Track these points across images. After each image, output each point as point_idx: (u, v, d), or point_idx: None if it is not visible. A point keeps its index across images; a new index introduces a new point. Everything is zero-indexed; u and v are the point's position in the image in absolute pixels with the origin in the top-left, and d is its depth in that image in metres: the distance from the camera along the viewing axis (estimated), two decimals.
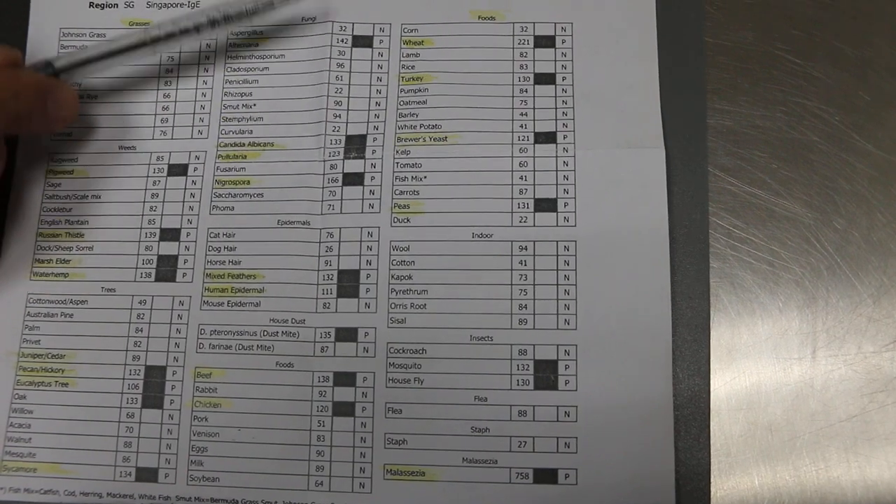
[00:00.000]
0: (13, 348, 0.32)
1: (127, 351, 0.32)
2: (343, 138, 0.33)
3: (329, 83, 0.33)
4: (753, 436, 0.29)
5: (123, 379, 0.32)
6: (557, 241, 0.31)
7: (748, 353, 0.30)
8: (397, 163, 0.32)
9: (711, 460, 0.29)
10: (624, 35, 0.33)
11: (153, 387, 0.32)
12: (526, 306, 0.31)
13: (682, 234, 0.31)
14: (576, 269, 0.31)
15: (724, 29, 0.33)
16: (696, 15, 0.33)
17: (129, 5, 0.35)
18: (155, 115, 0.34)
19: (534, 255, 0.31)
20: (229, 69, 0.34)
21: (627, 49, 0.33)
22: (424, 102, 0.33)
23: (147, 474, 0.31)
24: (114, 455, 0.31)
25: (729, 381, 0.30)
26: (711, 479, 0.29)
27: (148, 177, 0.33)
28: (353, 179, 0.32)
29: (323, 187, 0.32)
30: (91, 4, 0.35)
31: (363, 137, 0.33)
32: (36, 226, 0.33)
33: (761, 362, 0.30)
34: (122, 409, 0.32)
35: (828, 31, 0.32)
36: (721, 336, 0.30)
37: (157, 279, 0.32)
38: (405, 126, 0.33)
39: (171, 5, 0.35)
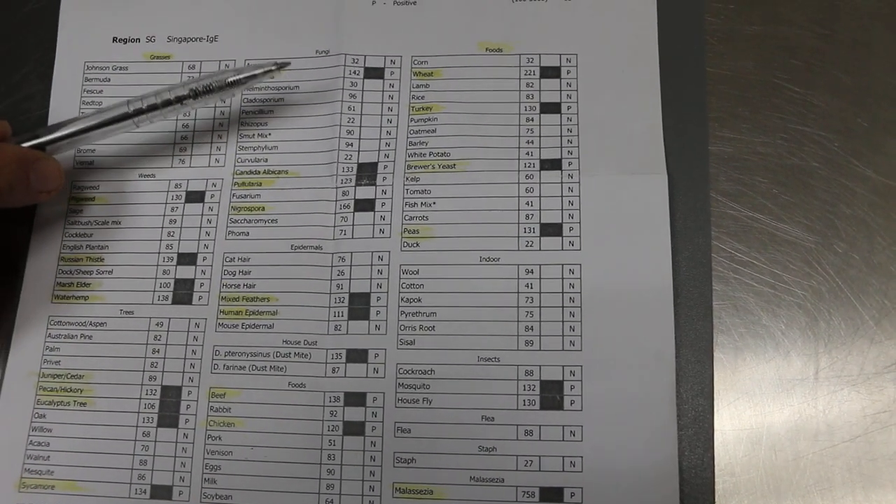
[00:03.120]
0: (34, 369, 0.33)
1: (144, 371, 0.33)
2: (355, 166, 0.33)
3: (341, 113, 0.34)
4: (757, 456, 0.29)
5: (140, 399, 0.32)
6: (562, 265, 0.32)
7: (751, 375, 0.30)
8: (407, 189, 0.33)
9: (716, 480, 0.29)
10: (627, 65, 0.34)
11: (169, 406, 0.32)
12: (532, 328, 0.31)
13: (685, 258, 0.31)
14: (580, 292, 0.31)
15: (724, 59, 0.34)
16: (698, 45, 0.34)
17: (150, 39, 0.36)
18: (174, 144, 0.35)
19: (539, 279, 0.32)
20: (245, 100, 0.35)
21: (631, 79, 0.34)
22: (434, 131, 0.34)
23: (162, 492, 0.31)
24: (129, 473, 0.32)
25: (732, 402, 0.30)
26: (716, 499, 0.29)
27: (166, 203, 0.34)
28: (365, 205, 0.33)
29: (335, 213, 0.33)
30: (115, 39, 0.37)
31: (374, 165, 0.33)
32: (58, 250, 0.34)
33: (764, 383, 0.30)
34: (139, 427, 0.32)
35: (826, 61, 0.33)
36: (724, 357, 0.30)
37: (174, 302, 0.33)
38: (415, 154, 0.33)
39: (190, 39, 0.36)
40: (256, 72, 0.32)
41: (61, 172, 0.33)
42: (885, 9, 0.34)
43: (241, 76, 0.32)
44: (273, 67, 0.32)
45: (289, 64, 0.32)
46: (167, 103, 0.32)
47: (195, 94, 0.32)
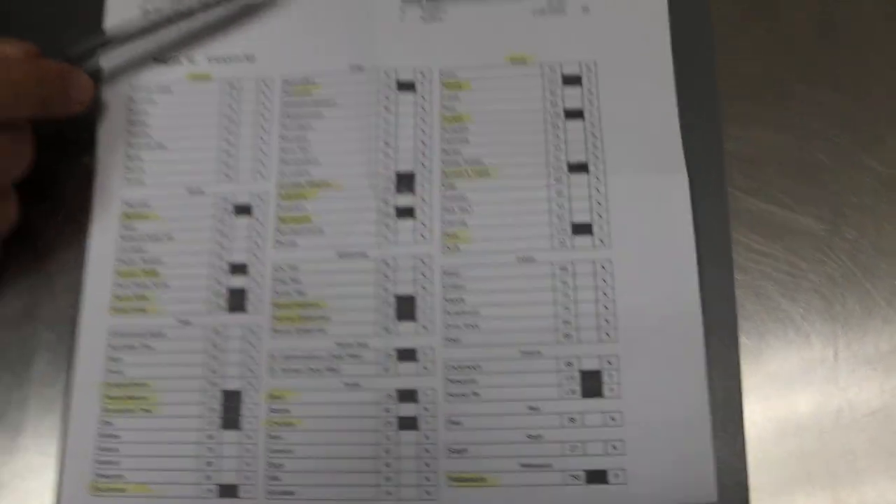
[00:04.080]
0: (98, 379, 0.34)
1: (204, 378, 0.34)
2: (394, 175, 0.35)
3: (378, 125, 0.35)
4: (785, 431, 0.31)
5: (202, 403, 0.34)
6: (594, 261, 0.33)
7: (775, 357, 0.32)
8: (444, 195, 0.34)
9: (747, 455, 0.31)
10: (643, 71, 0.35)
11: (231, 410, 0.33)
12: (570, 321, 0.32)
13: (707, 250, 0.33)
14: (613, 286, 0.33)
15: (734, 62, 0.35)
16: (708, 51, 0.35)
17: (190, 61, 0.37)
18: (219, 161, 0.36)
19: (574, 275, 0.33)
20: (285, 116, 0.36)
21: (647, 84, 0.35)
22: (466, 140, 0.35)
23: (228, 490, 0.33)
24: (197, 474, 0.33)
25: (759, 383, 0.32)
26: (748, 473, 0.31)
27: (215, 217, 0.35)
28: (405, 213, 0.34)
29: (377, 221, 0.34)
30: (156, 60, 0.37)
31: (412, 174, 0.35)
32: (113, 265, 0.35)
33: (787, 365, 0.32)
34: (203, 431, 0.33)
35: (830, 60, 0.35)
36: (749, 342, 0.32)
37: (230, 310, 0.34)
38: (449, 162, 0.35)
39: (230, 59, 0.37)
40: None
41: (92, 84, 0.35)
42: (883, 10, 0.35)
43: None
44: None
45: None
46: (179, 15, 0.34)
47: (205, 6, 0.34)
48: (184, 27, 0.35)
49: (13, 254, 0.36)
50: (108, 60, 0.38)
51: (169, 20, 0.34)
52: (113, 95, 0.37)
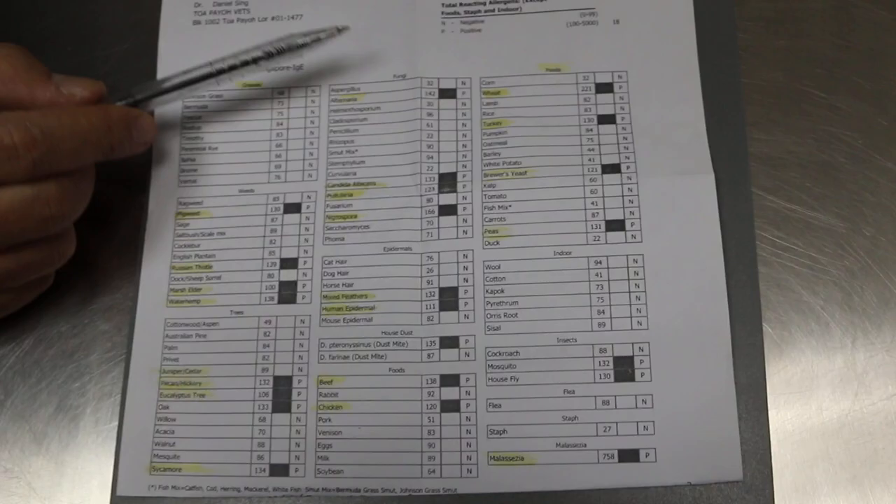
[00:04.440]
0: (155, 366, 0.39)
1: (256, 364, 0.39)
2: (436, 176, 0.40)
3: (421, 129, 0.41)
4: (807, 414, 0.36)
5: (254, 388, 0.39)
6: (627, 256, 0.38)
7: (796, 345, 0.37)
8: (485, 195, 0.40)
9: (770, 435, 0.36)
10: (672, 80, 0.41)
11: (281, 394, 0.38)
12: (603, 311, 0.38)
13: (733, 245, 0.38)
14: (644, 279, 0.38)
15: (757, 71, 0.41)
16: (733, 59, 0.41)
17: None
18: (269, 161, 0.42)
19: (607, 268, 0.38)
20: (332, 120, 0.42)
21: (676, 91, 0.40)
22: (505, 143, 0.40)
23: (279, 470, 0.38)
24: (249, 454, 0.38)
25: (782, 369, 0.37)
26: (772, 453, 0.36)
27: (266, 215, 0.41)
28: (448, 210, 0.40)
29: (421, 218, 0.40)
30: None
31: (454, 175, 0.40)
32: (169, 260, 0.41)
33: (809, 352, 0.37)
34: (255, 414, 0.38)
35: (847, 68, 0.40)
36: (772, 331, 0.37)
37: (280, 302, 0.40)
38: (490, 163, 0.40)
39: (279, 68, 0.43)
40: (321, 35, 0.39)
41: (155, 126, 0.39)
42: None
43: (308, 39, 0.39)
44: (335, 31, 0.39)
45: (348, 28, 0.39)
46: (244, 63, 0.39)
47: (269, 56, 0.39)
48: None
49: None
50: (165, 67, 0.43)
51: (232, 69, 0.39)
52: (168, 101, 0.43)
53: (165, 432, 0.38)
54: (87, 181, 0.36)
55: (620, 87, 0.41)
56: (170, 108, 0.42)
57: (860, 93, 0.40)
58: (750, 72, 0.41)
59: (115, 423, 0.39)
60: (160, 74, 0.43)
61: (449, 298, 0.38)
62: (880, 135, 0.39)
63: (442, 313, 0.38)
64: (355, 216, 0.40)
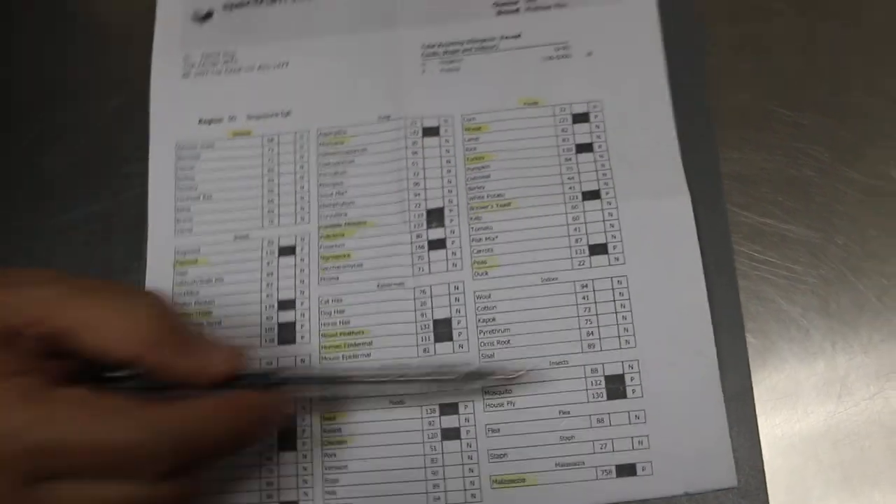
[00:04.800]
0: None
1: None
2: (424, 212, 0.42)
3: (407, 168, 0.43)
4: (794, 418, 0.38)
5: None
6: (611, 278, 0.40)
7: (779, 353, 0.39)
8: (472, 227, 0.41)
9: (761, 441, 0.37)
10: (644, 107, 0.43)
11: (287, 432, 0.40)
12: (592, 332, 0.39)
13: (712, 261, 0.40)
14: (629, 299, 0.40)
15: (725, 93, 0.43)
16: (701, 84, 0.43)
17: (231, 119, 0.45)
18: (262, 207, 0.43)
19: (593, 291, 0.40)
20: (321, 163, 0.44)
21: (648, 117, 0.43)
22: (488, 176, 0.42)
23: None
24: (259, 494, 0.39)
25: (767, 377, 0.38)
26: (764, 459, 0.37)
27: (262, 259, 0.42)
28: (437, 245, 0.41)
29: (412, 253, 0.41)
30: (200, 121, 0.45)
31: (441, 210, 0.42)
32: None
33: (791, 359, 0.39)
34: (262, 454, 0.40)
35: (811, 86, 0.42)
36: (755, 341, 0.39)
37: (280, 343, 0.41)
38: (475, 197, 0.42)
39: (267, 116, 0.45)
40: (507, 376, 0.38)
41: (292, 409, 0.38)
42: (858, 39, 0.43)
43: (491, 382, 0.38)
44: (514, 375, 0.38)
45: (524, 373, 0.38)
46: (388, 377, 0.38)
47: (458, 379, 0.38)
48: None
49: None
50: (156, 121, 0.45)
51: (377, 379, 0.38)
52: (162, 153, 0.45)
53: None
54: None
55: (596, 117, 0.43)
56: (165, 158, 0.44)
57: (824, 109, 0.42)
58: (718, 94, 0.43)
59: None
60: (152, 130, 0.45)
61: (443, 329, 0.40)
62: (845, 148, 0.41)
63: (437, 344, 0.40)
64: (348, 255, 0.41)
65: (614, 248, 0.40)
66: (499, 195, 0.41)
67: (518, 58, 0.44)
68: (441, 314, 0.40)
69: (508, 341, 0.39)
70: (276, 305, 0.41)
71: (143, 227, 0.44)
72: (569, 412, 0.38)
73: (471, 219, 0.41)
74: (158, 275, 0.42)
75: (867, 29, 0.43)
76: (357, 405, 0.39)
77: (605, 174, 0.41)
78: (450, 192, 0.42)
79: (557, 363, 0.39)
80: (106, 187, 0.45)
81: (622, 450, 0.38)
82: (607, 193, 0.41)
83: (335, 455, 0.39)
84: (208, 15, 0.47)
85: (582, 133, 0.42)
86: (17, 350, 0.30)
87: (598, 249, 0.40)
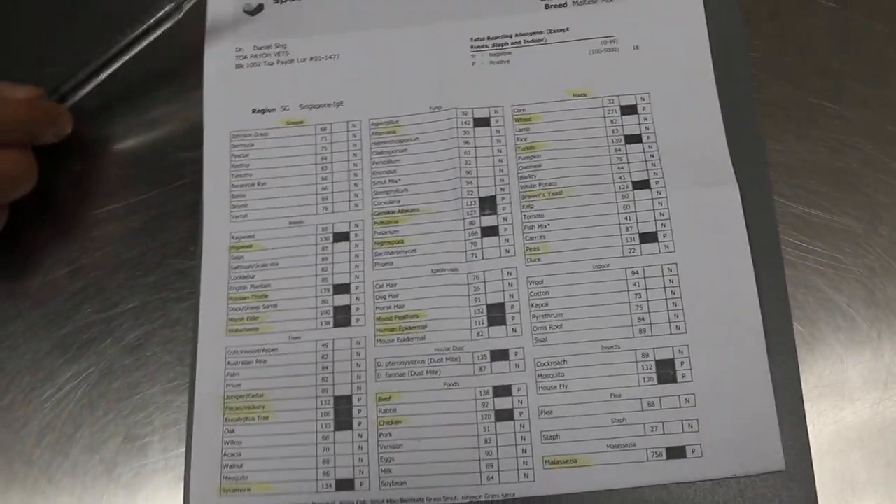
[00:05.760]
0: (219, 392, 0.42)
1: (316, 386, 0.42)
2: (477, 199, 0.43)
3: (459, 157, 0.44)
4: (840, 405, 0.39)
5: (316, 409, 0.41)
6: (661, 265, 0.42)
7: (826, 341, 0.40)
8: (524, 215, 0.43)
9: (808, 426, 0.39)
10: (691, 99, 0.44)
11: (342, 413, 0.41)
12: (643, 318, 0.41)
13: (760, 250, 0.41)
14: (679, 286, 0.41)
15: (770, 86, 0.44)
16: (746, 77, 0.44)
17: (284, 108, 0.46)
18: (316, 194, 0.45)
19: (644, 278, 0.41)
20: (374, 152, 0.45)
21: (695, 110, 0.44)
22: (539, 166, 0.44)
23: (345, 484, 0.40)
24: (315, 471, 0.41)
25: (814, 364, 0.40)
26: (811, 442, 0.39)
27: (316, 244, 0.44)
28: (490, 232, 0.43)
29: (465, 240, 0.43)
30: (254, 111, 0.46)
31: (493, 198, 0.43)
32: (226, 292, 0.44)
33: (838, 346, 0.40)
34: (318, 433, 0.41)
35: (854, 79, 0.44)
36: (803, 329, 0.40)
37: (335, 325, 0.43)
38: (526, 185, 0.43)
39: (320, 106, 0.46)
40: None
41: (71, 120, 0.45)
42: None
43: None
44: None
45: None
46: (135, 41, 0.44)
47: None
48: None
49: (127, 286, 0.44)
50: (210, 110, 0.46)
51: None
52: (216, 141, 0.46)
53: (233, 455, 0.41)
54: (28, 165, 0.43)
55: (644, 108, 0.44)
56: (219, 146, 0.46)
57: (866, 102, 0.43)
58: (763, 87, 0.44)
59: (182, 450, 0.41)
60: (206, 118, 0.46)
61: (496, 314, 0.41)
62: (888, 140, 0.42)
63: (491, 328, 0.41)
64: (402, 241, 0.43)
65: (664, 236, 0.42)
66: (550, 184, 0.43)
67: (566, 50, 0.45)
68: (494, 299, 0.41)
69: (561, 326, 0.41)
70: (331, 289, 0.43)
71: (198, 213, 0.45)
72: (620, 395, 0.40)
73: (523, 206, 0.43)
74: (214, 258, 0.44)
75: None
76: (413, 385, 0.40)
77: (654, 164, 0.43)
78: (502, 180, 0.43)
79: (609, 347, 0.40)
80: (161, 175, 0.46)
81: (672, 432, 0.39)
82: (657, 183, 0.42)
83: (390, 434, 0.40)
84: (259, 8, 0.48)
85: (630, 124, 0.44)
86: None
87: (649, 237, 0.42)
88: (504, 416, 0.40)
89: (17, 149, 0.41)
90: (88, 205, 0.46)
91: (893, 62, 0.44)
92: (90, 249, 0.46)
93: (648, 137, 0.43)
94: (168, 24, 0.45)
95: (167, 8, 0.44)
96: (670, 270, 0.41)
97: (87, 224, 0.46)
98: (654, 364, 0.40)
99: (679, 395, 0.39)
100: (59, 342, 0.44)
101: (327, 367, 0.41)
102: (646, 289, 0.41)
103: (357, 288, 0.42)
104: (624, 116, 0.44)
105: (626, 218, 0.42)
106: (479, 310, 0.41)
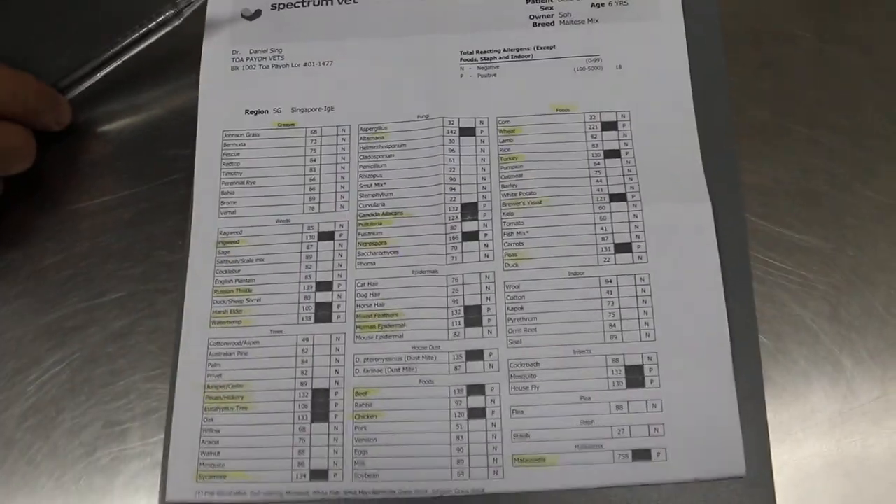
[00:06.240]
0: (200, 381, 0.43)
1: (295, 378, 0.43)
2: (459, 205, 0.45)
3: (444, 164, 0.46)
4: (802, 416, 0.41)
5: (294, 401, 0.43)
6: (634, 275, 0.43)
7: (790, 354, 0.42)
8: (504, 222, 0.45)
9: (770, 435, 0.40)
10: (670, 118, 0.46)
11: (319, 406, 0.43)
12: (614, 325, 0.42)
13: (730, 265, 0.43)
14: (651, 295, 0.43)
15: (746, 109, 0.46)
16: (724, 100, 0.46)
17: (277, 111, 0.48)
18: (303, 194, 0.46)
19: (617, 286, 0.43)
20: (362, 156, 0.47)
21: (673, 128, 0.46)
22: (521, 175, 0.45)
23: (319, 475, 0.42)
24: (290, 461, 0.42)
25: (777, 376, 0.41)
26: (771, 448, 0.40)
27: (301, 242, 0.45)
28: (471, 236, 0.44)
29: (446, 244, 0.44)
30: (247, 111, 0.48)
31: (475, 204, 0.45)
32: (211, 285, 0.45)
33: (801, 360, 0.42)
34: (295, 424, 0.42)
35: (826, 107, 0.46)
36: (768, 342, 0.42)
37: (316, 321, 0.44)
38: (507, 194, 0.45)
39: (311, 109, 0.48)
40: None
41: (71, 111, 0.47)
42: (871, 66, 0.47)
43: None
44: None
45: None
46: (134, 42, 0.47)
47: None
48: None
49: (115, 276, 0.46)
50: (205, 109, 0.48)
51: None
52: (209, 139, 0.48)
53: (211, 442, 0.42)
54: (27, 141, 0.44)
55: (624, 125, 0.46)
56: (212, 144, 0.47)
57: (839, 128, 0.45)
58: (740, 110, 0.46)
59: (161, 437, 0.43)
60: (200, 116, 0.48)
61: (473, 315, 0.43)
62: (858, 165, 0.44)
63: (467, 329, 0.43)
64: (385, 242, 0.45)
65: (638, 247, 0.43)
66: (530, 193, 0.45)
67: (552, 67, 0.47)
68: (472, 301, 0.43)
69: (535, 329, 0.42)
70: (314, 286, 0.44)
71: (187, 208, 0.46)
72: (590, 398, 0.41)
73: (503, 214, 0.44)
74: (201, 252, 0.45)
75: (881, 56, 0.47)
76: (390, 381, 0.42)
77: (631, 179, 0.45)
78: (484, 188, 0.45)
79: (581, 352, 0.42)
80: (153, 169, 0.48)
81: (639, 436, 0.40)
82: (633, 196, 0.44)
83: (365, 428, 0.42)
84: (257, 13, 0.50)
85: (610, 140, 0.46)
86: None
87: (623, 248, 0.43)
88: (476, 414, 0.41)
89: (16, 124, 0.43)
90: (81, 196, 0.48)
91: (865, 91, 0.46)
92: (80, 239, 0.47)
93: (627, 153, 0.45)
94: (167, 29, 0.46)
95: (167, 14, 0.46)
96: (642, 280, 0.43)
97: (79, 214, 0.47)
98: (623, 369, 0.41)
99: (646, 400, 0.41)
100: (45, 328, 0.45)
101: (307, 361, 0.43)
102: (618, 297, 0.42)
103: (339, 286, 0.44)
104: (604, 132, 0.46)
105: (602, 228, 0.44)
106: (456, 311, 0.43)
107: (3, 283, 0.46)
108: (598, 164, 0.45)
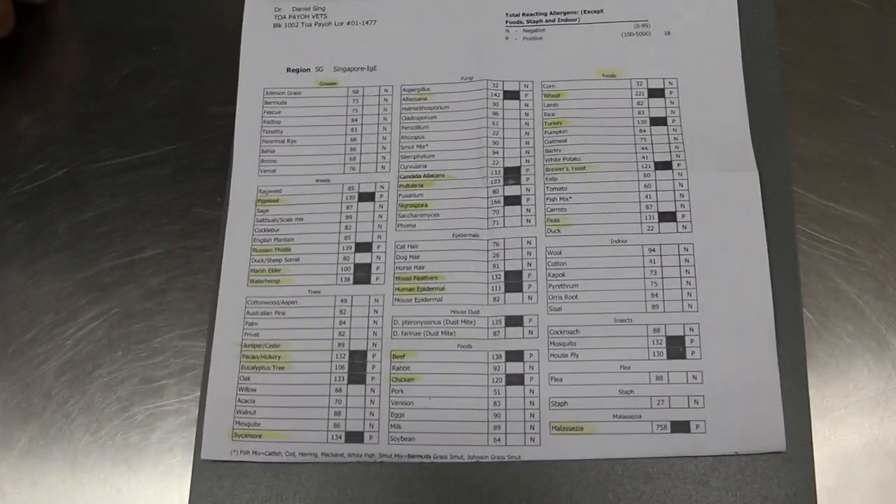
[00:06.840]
0: (237, 340, 0.44)
1: (332, 339, 0.43)
2: (502, 169, 0.45)
3: (487, 127, 0.46)
4: (844, 392, 0.40)
5: (331, 362, 0.43)
6: (678, 244, 0.43)
7: (834, 330, 0.41)
8: (547, 187, 0.44)
9: (811, 411, 0.40)
10: (718, 86, 0.46)
11: (356, 367, 0.43)
12: (657, 294, 0.42)
13: (775, 237, 0.43)
14: (694, 266, 0.43)
15: (797, 80, 0.45)
16: (774, 69, 0.46)
17: (319, 69, 0.48)
18: (344, 154, 0.46)
19: (660, 255, 0.43)
20: (404, 118, 0.46)
21: (722, 97, 0.45)
22: (565, 141, 0.45)
23: (355, 437, 0.42)
24: (326, 422, 0.42)
25: (820, 351, 0.41)
26: (812, 426, 0.40)
27: (341, 203, 0.45)
28: (513, 201, 0.44)
29: (487, 207, 0.44)
30: (288, 69, 0.48)
31: (518, 168, 0.45)
32: (250, 244, 0.45)
33: (845, 336, 0.41)
34: (331, 385, 0.43)
35: (879, 79, 0.45)
36: (812, 316, 0.42)
37: (355, 282, 0.44)
38: (551, 159, 0.45)
39: (354, 69, 0.48)
40: None
41: (14, 16, 0.47)
42: None
43: None
44: None
45: None
46: None
47: None
48: None
49: (153, 232, 0.46)
50: (246, 67, 0.48)
51: None
52: (250, 97, 0.48)
53: (246, 401, 0.42)
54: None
55: (671, 93, 0.45)
56: (253, 102, 0.47)
57: (891, 102, 0.44)
58: (790, 81, 0.45)
59: (197, 394, 0.43)
60: (241, 74, 0.48)
61: (514, 281, 0.43)
62: None
63: (507, 294, 0.43)
64: (426, 205, 0.44)
65: (682, 216, 0.43)
66: (574, 159, 0.44)
67: (599, 31, 0.47)
68: (513, 266, 0.43)
69: (576, 296, 0.42)
70: (353, 247, 0.44)
71: (227, 165, 0.46)
72: (629, 367, 0.41)
73: (546, 179, 0.44)
74: (240, 211, 0.45)
75: None
76: (428, 344, 0.42)
77: (677, 147, 0.44)
78: (527, 152, 0.45)
79: (622, 321, 0.42)
80: (193, 126, 0.48)
81: (678, 407, 0.40)
82: (678, 165, 0.44)
83: (402, 391, 0.42)
84: None
85: (657, 107, 0.45)
86: None
87: (667, 217, 0.43)
88: (515, 380, 0.41)
89: None
90: (121, 150, 0.48)
91: None
92: (119, 195, 0.47)
93: (673, 121, 0.45)
94: None
95: None
96: (686, 250, 0.42)
97: (118, 169, 0.47)
98: (664, 339, 0.41)
99: (687, 372, 0.41)
100: (83, 283, 0.46)
101: (344, 322, 0.43)
102: (661, 266, 0.42)
103: (379, 247, 0.44)
104: (651, 99, 0.45)
105: (646, 196, 0.43)
106: (496, 276, 0.43)
107: (42, 237, 0.46)
108: (644, 131, 0.44)
